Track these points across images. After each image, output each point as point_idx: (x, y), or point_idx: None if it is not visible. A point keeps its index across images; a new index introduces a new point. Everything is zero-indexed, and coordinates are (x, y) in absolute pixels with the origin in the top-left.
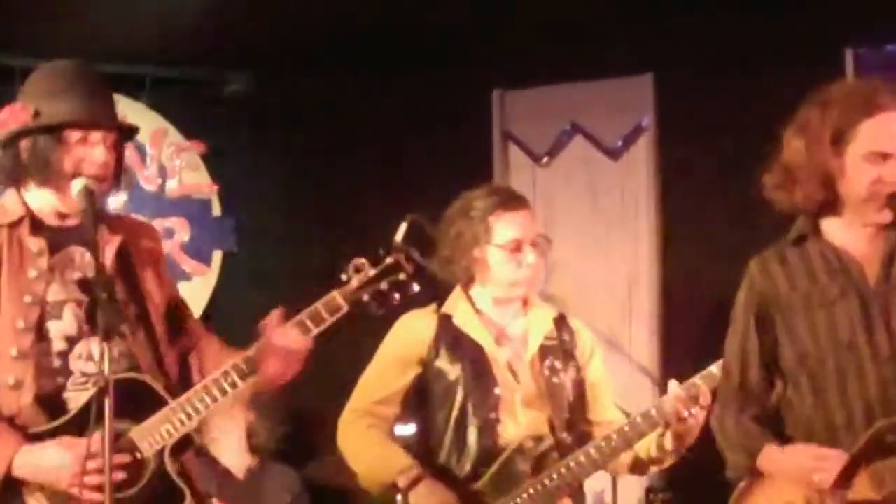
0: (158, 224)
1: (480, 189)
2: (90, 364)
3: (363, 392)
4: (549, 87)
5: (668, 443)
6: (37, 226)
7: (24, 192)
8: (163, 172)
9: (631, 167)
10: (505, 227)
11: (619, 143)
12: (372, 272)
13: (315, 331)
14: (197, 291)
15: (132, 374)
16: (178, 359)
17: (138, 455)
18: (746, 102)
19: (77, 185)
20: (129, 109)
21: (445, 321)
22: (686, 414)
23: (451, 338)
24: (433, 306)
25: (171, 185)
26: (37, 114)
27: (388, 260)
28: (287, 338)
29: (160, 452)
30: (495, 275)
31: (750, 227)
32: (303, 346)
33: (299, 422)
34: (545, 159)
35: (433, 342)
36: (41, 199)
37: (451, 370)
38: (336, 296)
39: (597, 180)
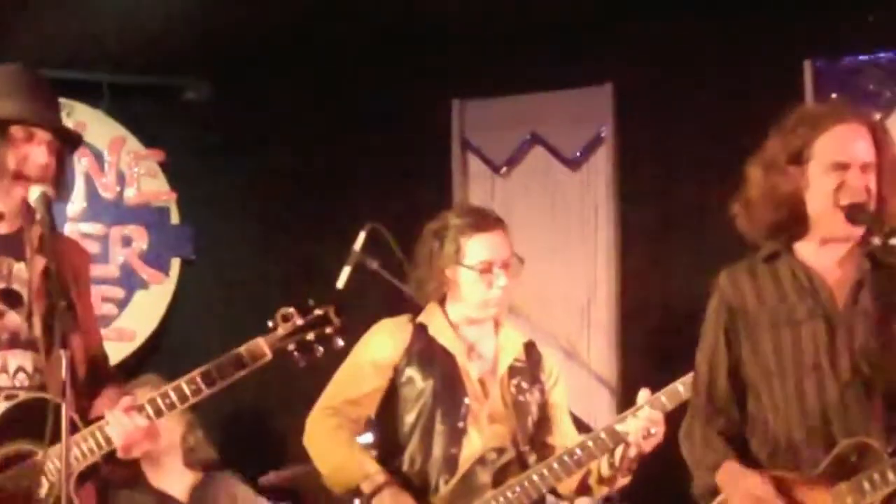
0: (117, 232)
1: (456, 209)
2: (3, 377)
3: (334, 391)
4: (509, 96)
5: (619, 461)
6: None
7: None
8: (121, 180)
9: (590, 177)
10: (476, 248)
11: (579, 154)
12: (300, 322)
13: (200, 395)
14: (155, 299)
15: (42, 395)
16: (88, 381)
17: (44, 478)
18: (705, 113)
19: (35, 192)
20: (87, 117)
21: (420, 330)
22: (652, 431)
23: (424, 346)
24: (408, 316)
25: (130, 193)
26: None
27: (317, 311)
28: (123, 423)
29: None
30: (465, 295)
31: (708, 237)
32: (140, 430)
33: (260, 430)
34: (504, 169)
35: (406, 349)
36: None
37: (422, 378)
38: (261, 343)
39: (556, 190)
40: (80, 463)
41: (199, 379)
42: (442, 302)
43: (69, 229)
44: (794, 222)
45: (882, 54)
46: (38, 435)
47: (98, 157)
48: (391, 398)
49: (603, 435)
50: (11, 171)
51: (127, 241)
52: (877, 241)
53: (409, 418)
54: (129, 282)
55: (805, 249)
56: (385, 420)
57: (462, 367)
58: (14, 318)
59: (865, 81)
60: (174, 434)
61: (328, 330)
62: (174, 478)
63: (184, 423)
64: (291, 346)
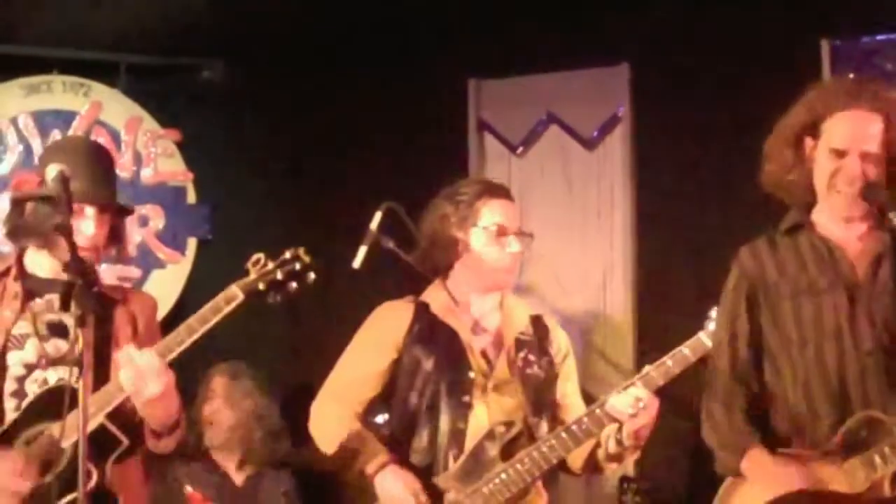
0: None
1: (467, 179)
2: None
3: (337, 375)
4: (525, 76)
5: (626, 438)
6: (22, 273)
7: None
8: (138, 160)
9: (606, 157)
10: (491, 212)
11: (595, 133)
12: (270, 264)
13: (185, 344)
14: (171, 279)
15: (62, 381)
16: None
17: (58, 447)
18: (722, 93)
19: (52, 171)
20: (104, 96)
21: (422, 309)
22: (641, 405)
23: (427, 325)
24: (410, 297)
25: (146, 173)
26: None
27: (287, 253)
28: (134, 358)
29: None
30: (478, 258)
31: (725, 216)
32: (155, 367)
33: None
34: (521, 149)
35: (409, 329)
36: (33, 257)
37: (426, 357)
38: (233, 287)
39: (572, 170)
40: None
41: (181, 332)
42: (445, 280)
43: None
44: (805, 191)
45: None
46: (58, 417)
47: (115, 136)
48: (397, 379)
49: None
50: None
51: (143, 221)
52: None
53: (415, 397)
54: (146, 261)
55: (822, 221)
56: (393, 400)
57: (465, 341)
58: (59, 345)
59: (883, 61)
60: (233, 426)
61: (298, 266)
62: (235, 463)
63: (245, 420)
64: (262, 286)
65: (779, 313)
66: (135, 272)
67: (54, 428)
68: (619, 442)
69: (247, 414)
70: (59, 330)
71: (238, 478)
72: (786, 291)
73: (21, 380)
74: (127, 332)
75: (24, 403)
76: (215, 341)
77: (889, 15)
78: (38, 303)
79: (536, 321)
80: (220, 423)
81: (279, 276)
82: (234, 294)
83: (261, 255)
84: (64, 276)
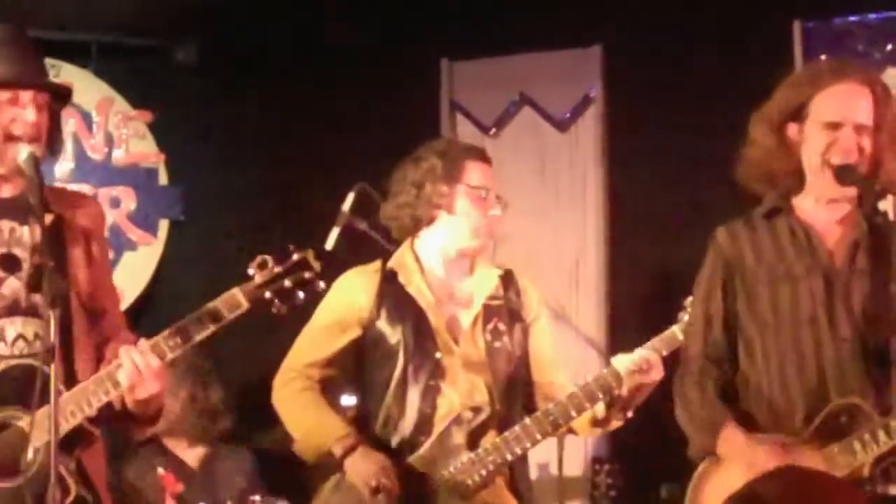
0: (105, 193)
1: (446, 138)
2: (0, 345)
3: (298, 352)
4: (498, 57)
5: (625, 392)
6: None
7: None
8: (109, 141)
9: (579, 138)
10: (477, 173)
11: (568, 115)
12: (277, 269)
13: (180, 349)
14: (143, 261)
15: (30, 361)
16: (93, 345)
17: (29, 446)
18: (694, 74)
19: (23, 153)
20: (75, 77)
21: (390, 278)
22: (650, 361)
23: (393, 297)
24: (377, 263)
25: (118, 154)
26: None
27: (295, 256)
28: (137, 360)
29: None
30: (460, 216)
31: (697, 197)
32: (150, 369)
33: (245, 392)
34: (493, 130)
35: (375, 301)
36: None
37: (393, 332)
38: (236, 293)
39: (545, 151)
40: (76, 418)
41: (176, 335)
42: (413, 242)
43: None
44: (791, 177)
45: (871, 15)
46: (27, 402)
47: (86, 117)
48: (362, 355)
49: (579, 391)
50: (1, 134)
51: (115, 203)
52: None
53: (382, 377)
54: (118, 243)
55: (804, 206)
56: (359, 379)
57: (432, 320)
58: (13, 284)
59: (855, 42)
60: (176, 412)
61: (307, 275)
62: (186, 446)
63: (189, 403)
64: (268, 294)
65: (755, 298)
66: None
67: (23, 421)
68: (609, 405)
69: (180, 400)
70: (10, 264)
71: (192, 460)
72: (763, 276)
73: None
74: (80, 256)
75: None
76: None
77: None
78: None
79: (507, 278)
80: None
81: (287, 283)
82: (238, 303)
83: (267, 258)
84: (6, 194)
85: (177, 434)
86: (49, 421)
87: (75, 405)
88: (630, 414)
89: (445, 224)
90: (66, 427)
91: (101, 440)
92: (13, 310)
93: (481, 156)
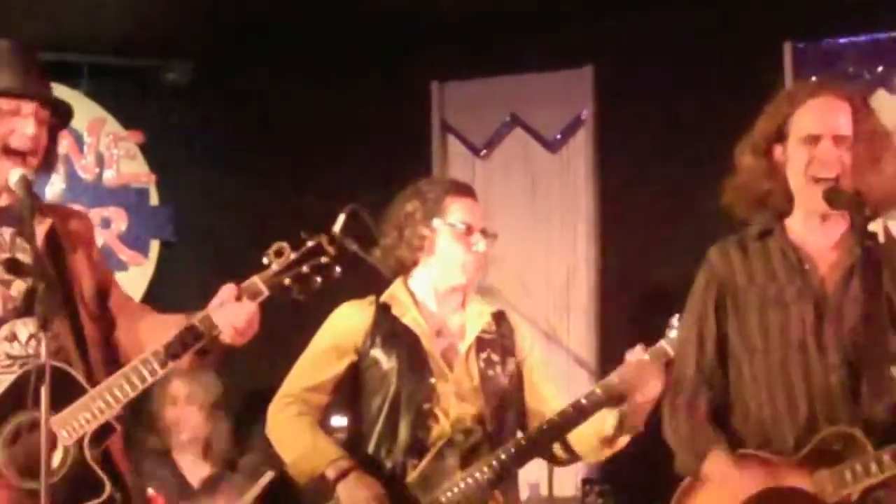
0: (96, 214)
1: (431, 177)
2: (15, 345)
3: (295, 379)
4: (489, 78)
5: (630, 413)
6: None
7: None
8: (100, 162)
9: (570, 159)
10: (458, 210)
11: (559, 136)
12: (293, 256)
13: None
14: (134, 281)
15: (51, 362)
16: (103, 341)
17: (58, 444)
18: (685, 96)
19: (15, 175)
20: (66, 97)
21: (383, 311)
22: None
23: (387, 327)
24: (371, 297)
25: (109, 175)
26: None
27: (310, 243)
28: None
29: (79, 441)
30: (443, 255)
31: (688, 218)
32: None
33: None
34: (484, 151)
35: (369, 331)
36: None
37: (386, 360)
38: (256, 280)
39: (536, 172)
40: (89, 424)
41: (203, 321)
42: (406, 278)
43: None
44: (780, 198)
45: (861, 36)
46: (53, 403)
47: (77, 138)
48: (356, 382)
49: (570, 409)
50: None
51: (106, 223)
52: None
53: (376, 402)
54: (109, 263)
55: (795, 227)
56: (352, 404)
57: (426, 345)
58: (22, 286)
59: (845, 63)
60: (199, 425)
61: (324, 259)
62: (192, 463)
63: (209, 416)
64: (287, 281)
65: (745, 321)
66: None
67: (52, 420)
68: (619, 423)
69: (211, 410)
70: (16, 268)
71: (194, 478)
72: (753, 300)
73: None
74: (81, 259)
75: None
76: None
77: (851, 17)
78: None
79: (499, 318)
80: (187, 421)
81: (305, 269)
82: (258, 289)
83: (283, 245)
84: (2, 203)
85: (189, 449)
86: (76, 421)
87: (102, 401)
88: (642, 427)
89: (431, 264)
90: (96, 421)
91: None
92: (24, 311)
93: (464, 191)
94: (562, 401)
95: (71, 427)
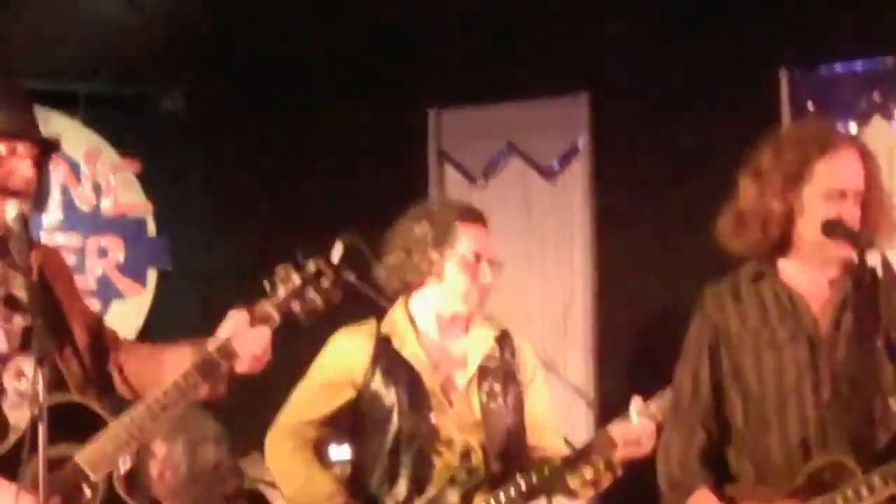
0: (93, 243)
1: (442, 199)
2: (23, 381)
3: (293, 410)
4: (485, 106)
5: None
6: None
7: None
8: (97, 191)
9: (567, 187)
10: (468, 237)
11: (556, 164)
12: (297, 281)
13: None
14: (132, 311)
15: (67, 397)
16: (96, 374)
17: (87, 480)
18: (681, 123)
19: (11, 211)
20: (62, 127)
21: (383, 344)
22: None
23: (387, 360)
24: (371, 326)
25: (106, 204)
26: None
27: (311, 267)
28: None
29: (109, 475)
30: (449, 283)
31: (686, 246)
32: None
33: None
34: (481, 179)
35: (369, 366)
36: None
37: (387, 394)
38: (267, 306)
39: (533, 200)
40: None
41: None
42: (407, 301)
43: (45, 240)
44: (780, 241)
45: (858, 63)
46: (73, 438)
47: (74, 167)
48: (357, 416)
49: (572, 454)
50: None
51: (103, 253)
52: (855, 257)
53: (377, 439)
54: (106, 293)
55: (789, 270)
56: (354, 437)
57: (427, 381)
58: (21, 322)
59: (841, 90)
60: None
61: (325, 283)
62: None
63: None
64: (297, 307)
65: (740, 365)
66: (95, 304)
67: (79, 456)
68: (607, 466)
69: (173, 465)
70: (13, 303)
71: None
72: (748, 344)
73: None
74: (68, 300)
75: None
76: None
77: (847, 44)
78: None
79: (502, 341)
80: (176, 469)
81: (311, 294)
82: (271, 315)
83: (289, 268)
84: None
85: (178, 498)
86: (104, 450)
87: (127, 433)
88: (620, 473)
89: (436, 289)
90: (127, 451)
91: None
92: (27, 345)
93: (475, 217)
94: (552, 435)
95: (101, 461)
